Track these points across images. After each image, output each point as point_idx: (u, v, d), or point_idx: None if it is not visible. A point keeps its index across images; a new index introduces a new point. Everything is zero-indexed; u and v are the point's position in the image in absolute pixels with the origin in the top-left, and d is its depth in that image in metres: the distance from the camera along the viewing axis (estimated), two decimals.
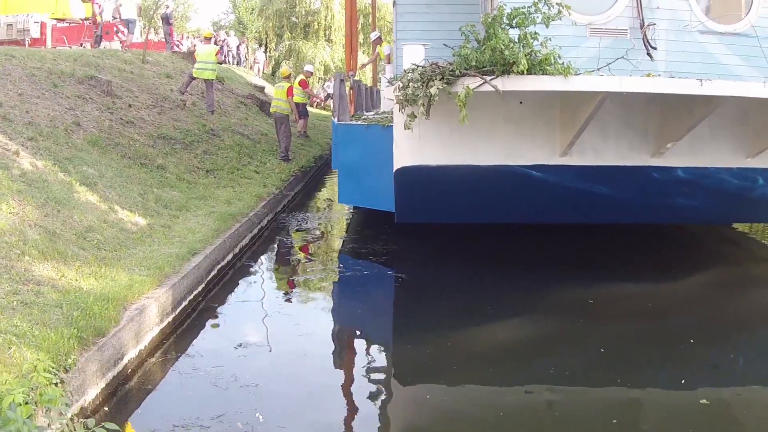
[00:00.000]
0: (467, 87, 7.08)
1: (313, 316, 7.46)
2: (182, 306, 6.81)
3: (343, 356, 6.50)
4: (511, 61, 6.96)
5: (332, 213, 12.84)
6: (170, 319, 6.50)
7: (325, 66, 33.77)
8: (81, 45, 24.77)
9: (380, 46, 15.86)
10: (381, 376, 5.99)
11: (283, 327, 6.98)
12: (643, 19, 8.77)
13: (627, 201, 8.92)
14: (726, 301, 7.86)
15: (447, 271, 8.75)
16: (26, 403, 3.16)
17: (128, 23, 21.56)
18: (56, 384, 3.94)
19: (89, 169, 8.93)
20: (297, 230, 10.94)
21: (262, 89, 25.31)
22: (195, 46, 30.97)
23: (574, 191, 8.73)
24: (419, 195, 8.74)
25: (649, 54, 8.66)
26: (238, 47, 30.79)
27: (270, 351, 6.28)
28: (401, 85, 7.70)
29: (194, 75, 15.16)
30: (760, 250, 10.96)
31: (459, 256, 9.46)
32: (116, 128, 11.29)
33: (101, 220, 7.72)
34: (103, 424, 3.47)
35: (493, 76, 7.10)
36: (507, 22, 7.52)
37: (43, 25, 23.83)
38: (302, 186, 14.11)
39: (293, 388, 5.50)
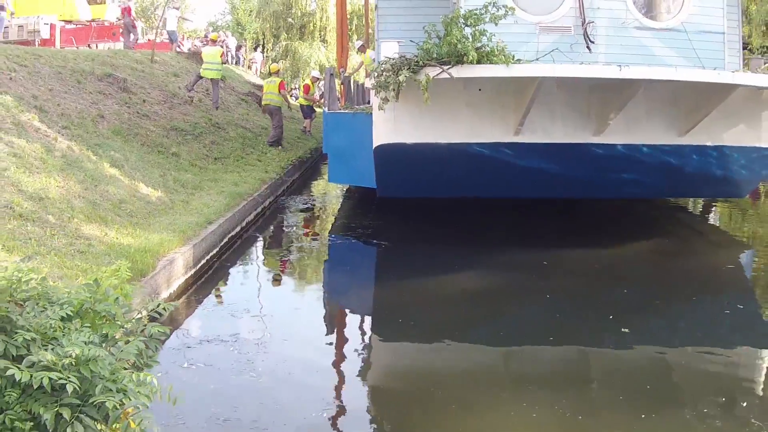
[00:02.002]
0: (428, 75, 8.57)
1: (310, 273, 8.93)
2: (201, 263, 8.25)
3: (334, 297, 8.00)
4: (463, 53, 8.45)
5: (326, 197, 14.34)
6: (192, 272, 7.94)
7: (320, 66, 35.16)
8: (88, 46, 26.12)
9: (364, 53, 17.51)
10: (365, 311, 7.48)
11: (284, 281, 8.46)
12: (584, 18, 10.22)
13: (574, 176, 10.34)
14: (659, 262, 9.30)
15: (424, 240, 10.24)
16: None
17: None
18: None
19: (116, 154, 10.35)
20: (295, 210, 12.41)
21: (260, 88, 26.74)
22: (195, 46, 32.38)
23: (527, 166, 10.14)
24: (396, 170, 10.17)
25: (588, 47, 10.09)
26: (237, 49, 32.17)
27: (274, 294, 7.77)
28: (376, 74, 9.21)
29: (201, 74, 16.56)
30: (694, 223, 12.49)
31: (434, 229, 10.94)
32: (134, 120, 12.71)
33: (131, 194, 9.15)
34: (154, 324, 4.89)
35: (449, 66, 8.59)
36: (463, 21, 9.01)
37: (52, 27, 25.10)
38: (299, 174, 15.57)
39: (293, 318, 7.00)
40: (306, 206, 12.90)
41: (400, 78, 8.77)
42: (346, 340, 6.72)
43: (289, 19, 37.39)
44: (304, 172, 16.26)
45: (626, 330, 6.59)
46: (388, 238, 10.30)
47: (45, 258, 6.27)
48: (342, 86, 16.28)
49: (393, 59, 9.07)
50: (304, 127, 20.03)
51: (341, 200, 13.64)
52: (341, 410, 5.17)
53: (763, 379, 5.80)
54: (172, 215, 8.96)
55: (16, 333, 3.55)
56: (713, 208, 14.05)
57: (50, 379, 3.33)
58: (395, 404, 5.25)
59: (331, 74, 13.03)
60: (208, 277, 8.19)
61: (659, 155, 10.29)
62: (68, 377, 3.36)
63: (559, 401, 5.08)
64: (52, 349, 3.50)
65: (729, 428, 4.75)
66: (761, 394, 5.43)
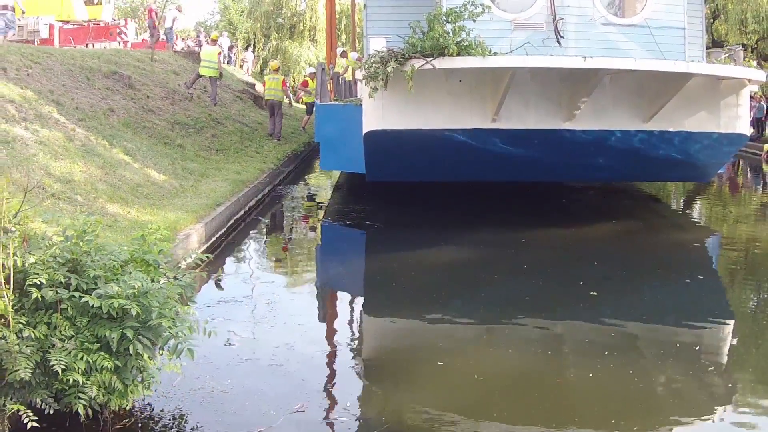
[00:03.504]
0: (413, 66, 9.54)
1: (309, 249, 9.87)
2: (212, 240, 9.15)
3: (332, 270, 8.94)
4: (444, 47, 9.41)
5: (320, 186, 15.28)
6: (205, 247, 8.82)
7: (309, 64, 36.02)
8: (86, 46, 26.86)
9: (346, 58, 18.80)
10: (357, 278, 8.43)
11: (286, 256, 9.38)
12: (555, 15, 11.19)
13: (547, 161, 11.30)
14: (627, 240, 10.28)
15: (412, 221, 11.20)
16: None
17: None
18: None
19: (128, 144, 11.22)
20: (292, 197, 13.35)
21: (252, 86, 27.59)
22: (188, 47, 33.16)
23: (504, 150, 11.10)
24: (384, 155, 11.09)
25: (558, 42, 11.07)
26: (229, 48, 32.99)
27: (279, 266, 8.71)
28: (366, 65, 10.14)
29: (200, 73, 17.41)
30: (671, 214, 13.49)
31: (421, 212, 11.93)
32: (141, 114, 13.57)
33: (145, 180, 10.04)
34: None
35: (432, 58, 9.54)
36: (444, 18, 9.96)
37: (51, 27, 25.81)
38: (294, 166, 16.48)
39: (296, 283, 7.96)
40: (302, 194, 13.84)
41: (388, 69, 9.73)
42: (342, 302, 7.67)
43: (279, 19, 38.23)
44: (298, 164, 17.16)
45: (594, 293, 7.52)
46: (379, 219, 11.22)
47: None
48: (331, 81, 17.24)
49: (381, 52, 10.03)
50: (303, 126, 21.03)
51: (332, 189, 14.58)
52: (340, 354, 6.12)
53: (717, 338, 6.70)
54: (184, 198, 9.84)
55: (86, 272, 4.45)
56: (685, 198, 15.09)
57: (119, 304, 4.23)
58: (382, 351, 6.19)
59: (323, 69, 13.95)
60: (218, 252, 9.09)
61: (625, 140, 11.26)
62: (131, 304, 4.26)
63: (532, 349, 5.99)
64: (118, 284, 4.39)
65: (678, 371, 5.60)
66: (711, 345, 6.36)
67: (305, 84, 20.73)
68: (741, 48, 12.03)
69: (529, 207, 12.38)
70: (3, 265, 4.22)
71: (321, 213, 12.26)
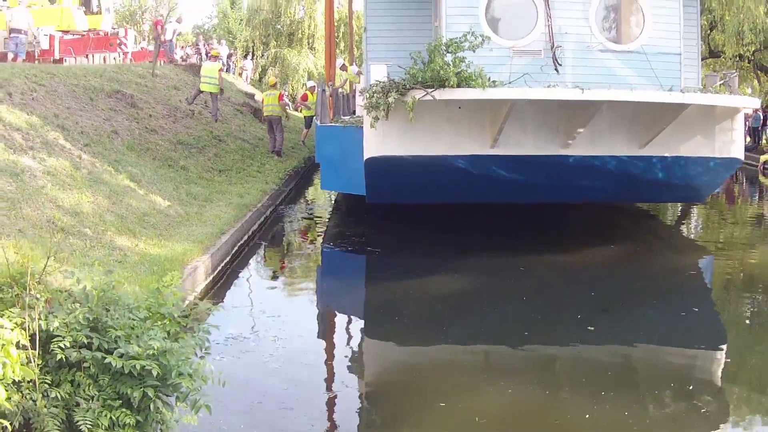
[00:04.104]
0: (414, 97, 9.77)
1: (310, 277, 10.07)
2: (218, 270, 9.33)
3: (334, 299, 9.16)
4: (445, 79, 9.61)
5: (319, 205, 15.46)
6: (211, 277, 9.00)
7: (308, 73, 36.25)
8: (86, 56, 26.97)
9: (346, 71, 18.97)
10: (361, 313, 8.61)
11: (287, 285, 9.59)
12: (553, 42, 11.40)
13: (545, 184, 11.52)
14: (624, 266, 10.43)
15: (412, 245, 11.41)
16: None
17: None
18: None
19: (133, 169, 11.39)
20: (293, 218, 13.54)
21: (252, 96, 27.76)
22: (187, 55, 33.27)
23: (503, 175, 11.31)
24: (384, 179, 11.29)
25: (556, 69, 11.28)
26: (228, 57, 33.15)
27: (280, 297, 8.91)
28: (368, 95, 10.34)
29: (201, 89, 17.58)
30: (667, 234, 13.71)
31: (421, 233, 12.11)
32: (144, 135, 13.74)
33: (151, 207, 10.20)
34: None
35: (432, 89, 9.75)
36: (444, 48, 10.15)
37: (51, 38, 25.92)
38: (295, 183, 16.66)
39: (299, 317, 8.14)
40: (302, 215, 14.03)
41: (389, 99, 9.96)
42: (345, 335, 7.86)
43: (278, 26, 38.37)
44: (299, 181, 17.34)
45: (591, 328, 7.71)
46: (378, 244, 11.41)
47: (92, 268, 7.29)
48: (330, 98, 17.43)
49: (383, 82, 10.22)
50: (301, 139, 21.23)
51: (331, 209, 14.74)
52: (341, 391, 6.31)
53: (712, 371, 6.91)
54: (189, 226, 10.01)
55: (107, 331, 4.63)
56: (681, 214, 15.31)
57: (140, 365, 4.41)
58: (384, 388, 6.37)
59: (323, 90, 14.13)
60: (223, 282, 9.26)
61: (621, 165, 11.49)
62: (152, 365, 4.44)
63: (531, 388, 6.19)
64: (138, 344, 4.57)
65: (679, 410, 5.80)
66: (711, 384, 6.51)
67: (305, 98, 20.95)
68: (736, 74, 12.24)
69: (527, 227, 12.60)
70: (29, 327, 4.40)
71: (321, 237, 12.43)
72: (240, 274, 9.76)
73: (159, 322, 5.15)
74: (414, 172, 11.23)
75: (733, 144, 11.65)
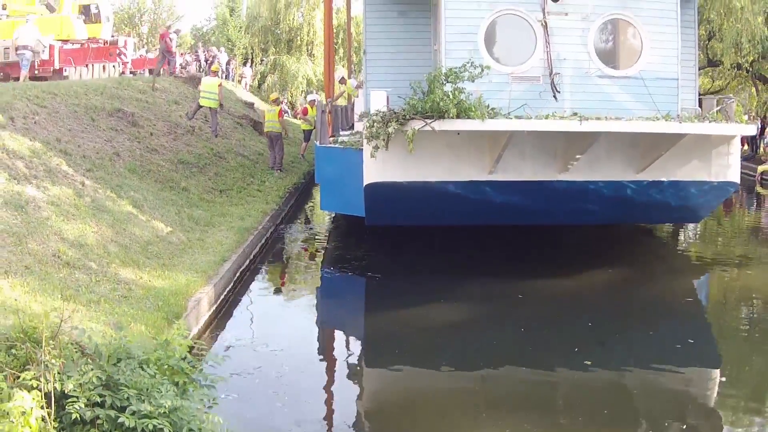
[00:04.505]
0: (413, 129, 9.89)
1: (309, 309, 10.15)
2: (220, 299, 9.44)
3: (333, 331, 9.29)
4: (444, 110, 9.73)
5: (319, 223, 15.55)
6: (214, 307, 9.11)
7: (307, 80, 36.34)
8: (86, 66, 27.02)
9: (345, 84, 19.09)
10: (361, 345, 8.73)
11: (286, 313, 9.71)
12: (551, 69, 11.52)
13: (542, 207, 11.64)
14: (622, 293, 10.53)
15: (411, 269, 11.51)
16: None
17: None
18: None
19: (135, 194, 11.48)
20: (292, 239, 13.65)
21: (251, 105, 27.86)
22: (185, 61, 33.30)
23: (501, 199, 11.43)
24: (383, 204, 11.41)
25: (554, 96, 11.41)
26: (227, 63, 33.26)
27: (281, 326, 9.07)
28: (368, 124, 10.45)
29: (200, 104, 17.67)
30: (665, 253, 13.83)
31: (419, 256, 12.22)
32: (145, 156, 13.83)
33: (154, 235, 10.31)
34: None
35: (431, 120, 9.89)
36: (444, 79, 10.27)
37: (51, 48, 25.97)
38: (294, 200, 16.77)
39: (300, 349, 8.26)
40: (302, 235, 14.14)
41: (389, 130, 10.09)
42: (346, 370, 7.98)
43: (277, 31, 38.39)
44: (298, 197, 17.44)
45: (588, 362, 7.83)
46: (378, 269, 11.51)
47: (99, 305, 7.42)
48: (329, 114, 17.50)
49: (382, 112, 10.33)
50: (300, 153, 21.38)
51: (331, 227, 14.82)
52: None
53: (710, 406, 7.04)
54: (192, 254, 10.11)
55: (119, 390, 4.75)
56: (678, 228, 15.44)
57: (152, 425, 4.53)
58: (384, 420, 6.50)
59: (323, 111, 14.21)
60: (225, 310, 9.37)
61: (618, 189, 11.61)
62: (164, 423, 4.56)
63: (530, 421, 6.34)
64: (149, 401, 4.69)
65: None
66: (710, 422, 6.64)
67: (305, 112, 21.07)
68: (733, 100, 12.35)
69: (525, 247, 12.72)
70: (44, 387, 4.51)
71: (321, 259, 12.53)
72: (242, 302, 9.87)
73: (168, 375, 5.28)
74: (413, 196, 11.36)
75: (729, 168, 11.78)
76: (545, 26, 11.43)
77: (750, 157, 28.11)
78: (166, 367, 5.30)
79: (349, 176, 11.87)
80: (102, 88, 16.63)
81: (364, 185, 11.19)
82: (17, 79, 25.36)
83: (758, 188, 24.40)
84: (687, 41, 13.60)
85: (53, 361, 4.53)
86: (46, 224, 8.89)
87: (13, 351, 5.04)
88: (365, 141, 10.58)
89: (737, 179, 12.02)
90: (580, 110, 11.33)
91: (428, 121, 9.85)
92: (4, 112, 11.61)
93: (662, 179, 11.57)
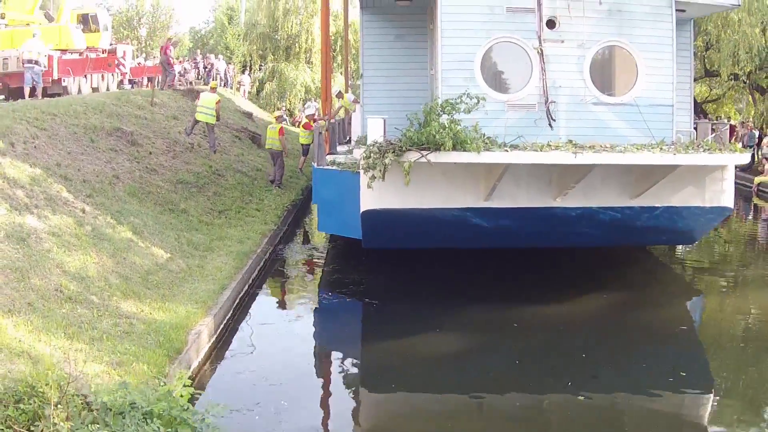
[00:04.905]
0: (410, 161, 10.01)
1: (306, 338, 10.21)
2: (220, 328, 9.55)
3: (331, 362, 9.40)
4: (440, 143, 9.86)
5: (316, 243, 15.61)
6: (214, 338, 9.22)
7: (305, 87, 36.43)
8: (84, 77, 27.07)
9: (342, 99, 19.22)
10: (358, 378, 8.84)
11: (284, 342, 9.80)
12: (547, 97, 11.64)
13: (538, 231, 11.78)
14: (617, 321, 10.60)
15: (408, 294, 11.64)
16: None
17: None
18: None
19: (135, 220, 11.59)
20: (290, 261, 13.75)
21: (250, 115, 27.95)
22: (184, 69, 33.35)
23: (497, 225, 11.56)
24: (380, 229, 11.56)
25: (550, 124, 11.53)
26: (226, 70, 33.35)
27: (278, 356, 9.15)
28: (365, 155, 10.57)
29: (197, 119, 17.75)
30: (661, 274, 13.92)
31: (417, 280, 12.33)
32: (144, 177, 13.93)
33: (154, 263, 10.42)
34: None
35: (428, 152, 10.02)
36: (440, 110, 10.40)
37: (50, 59, 26.02)
38: (293, 217, 16.87)
39: (298, 384, 8.35)
40: (300, 256, 14.24)
41: (386, 161, 10.23)
42: (343, 403, 8.10)
43: (275, 36, 38.47)
44: (296, 214, 17.53)
45: (581, 398, 7.92)
46: (375, 294, 11.61)
47: (101, 343, 7.53)
48: (327, 132, 17.60)
49: (379, 143, 10.46)
50: (299, 168, 21.47)
51: (329, 246, 14.87)
52: None
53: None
54: (192, 282, 10.23)
55: None
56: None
57: None
58: None
59: (320, 132, 14.31)
60: (225, 339, 9.48)
61: (613, 214, 11.76)
62: None
63: None
64: None
65: None
66: None
67: (308, 127, 21.12)
68: (727, 126, 12.49)
69: (521, 270, 12.83)
70: None
71: (318, 282, 12.64)
72: (240, 330, 9.98)
73: (173, 428, 5.40)
74: (409, 222, 11.49)
75: (723, 194, 11.93)
76: (541, 54, 11.53)
77: (747, 168, 28.21)
78: (169, 417, 5.42)
79: (347, 199, 11.99)
80: (101, 106, 16.72)
81: (361, 212, 11.31)
82: (17, 89, 25.52)
83: (755, 199, 24.51)
84: (682, 63, 13.75)
85: (61, 423, 4.64)
86: (47, 257, 9.00)
87: (21, 406, 5.17)
88: (362, 171, 10.70)
89: (731, 204, 12.16)
90: (575, 137, 11.51)
91: (424, 152, 9.98)
92: (4, 138, 11.70)
93: (657, 205, 11.71)
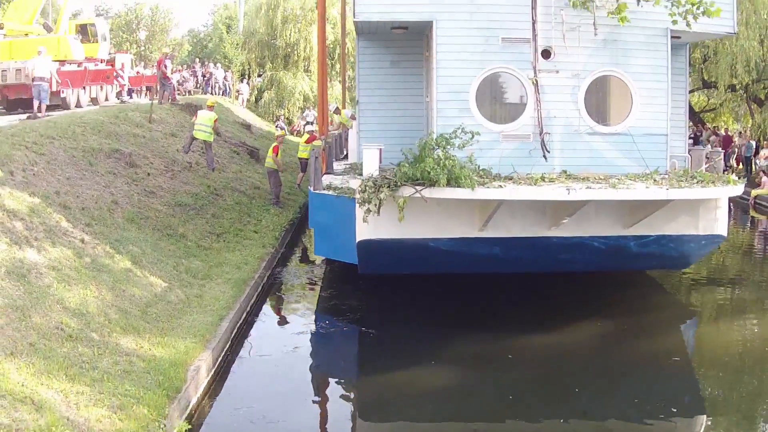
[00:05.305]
0: (404, 197, 10.17)
1: (302, 371, 10.26)
2: (218, 362, 9.67)
3: (324, 385, 9.54)
4: (434, 180, 10.00)
5: (312, 265, 15.56)
6: (212, 372, 9.34)
7: (304, 96, 36.53)
8: (83, 89, 27.13)
9: (339, 114, 19.35)
10: (354, 414, 8.97)
11: (280, 375, 9.89)
12: (542, 128, 11.76)
13: (532, 258, 11.92)
14: (612, 353, 10.67)
15: (405, 323, 11.76)
16: None
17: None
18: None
19: (134, 248, 11.69)
20: (288, 286, 13.86)
21: (248, 126, 28.06)
22: (183, 78, 33.44)
23: (489, 252, 11.68)
24: (376, 257, 11.69)
25: (544, 156, 11.66)
26: (224, 78, 33.46)
27: (274, 390, 9.25)
28: (360, 189, 10.70)
29: (194, 136, 17.81)
30: (656, 297, 13.98)
31: (413, 308, 12.43)
32: (143, 201, 14.04)
33: (153, 294, 10.53)
34: None
35: (422, 188, 10.16)
36: (434, 145, 10.53)
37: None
38: (290, 236, 16.97)
39: (295, 419, 8.46)
40: (295, 281, 14.31)
41: (381, 196, 10.38)
42: None
43: (274, 41, 38.49)
44: (294, 234, 17.59)
45: None
46: (372, 323, 11.71)
47: (102, 384, 7.64)
48: (323, 152, 17.67)
49: (374, 178, 10.59)
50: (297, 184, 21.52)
51: (326, 270, 14.89)
52: None
53: None
54: (191, 314, 10.33)
55: None
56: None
57: None
58: None
59: (316, 156, 14.40)
60: (222, 371, 9.58)
61: (607, 242, 11.88)
62: None
63: None
64: None
65: None
66: None
67: (310, 140, 21.17)
68: (721, 156, 12.63)
69: (516, 297, 12.92)
70: None
71: (315, 308, 12.74)
72: (238, 360, 10.09)
73: None
74: (404, 251, 11.62)
75: (717, 222, 12.05)
76: (536, 84, 11.67)
77: (744, 178, 28.34)
78: None
79: (343, 224, 12.11)
80: (99, 125, 16.82)
81: (356, 241, 11.43)
82: (16, 101, 25.59)
83: (752, 212, 24.63)
84: (677, 88, 13.90)
85: None
86: (48, 292, 9.10)
87: None
88: (357, 205, 10.82)
89: (725, 232, 12.30)
90: (569, 167, 11.68)
91: (419, 188, 10.12)
92: (3, 166, 11.80)
93: (651, 234, 11.83)
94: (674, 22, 11.67)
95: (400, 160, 10.68)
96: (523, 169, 11.36)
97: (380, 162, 11.44)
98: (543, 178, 10.89)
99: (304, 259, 16.55)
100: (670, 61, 12.53)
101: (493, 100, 12.20)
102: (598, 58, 12.07)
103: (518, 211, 11.31)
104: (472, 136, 10.54)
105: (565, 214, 10.96)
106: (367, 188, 10.41)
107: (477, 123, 11.57)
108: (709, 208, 11.92)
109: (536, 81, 11.68)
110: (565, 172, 11.58)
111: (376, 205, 10.30)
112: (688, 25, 11.31)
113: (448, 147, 10.35)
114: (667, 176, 11.62)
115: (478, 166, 10.79)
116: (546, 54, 11.95)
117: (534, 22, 11.57)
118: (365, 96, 14.06)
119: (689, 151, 13.62)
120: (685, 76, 14.57)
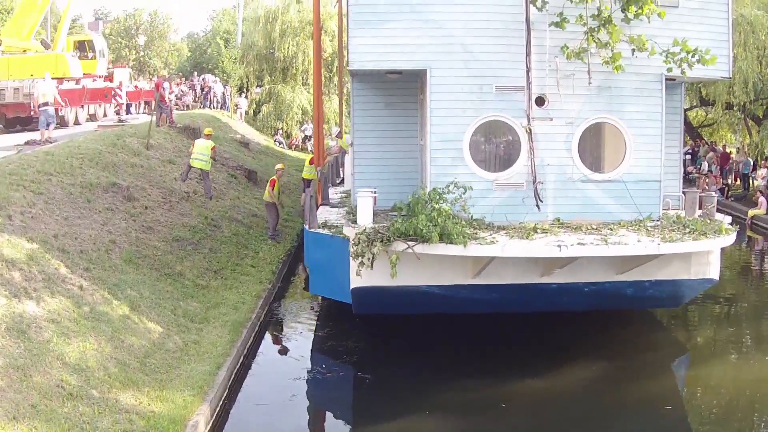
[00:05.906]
0: (397, 252, 10.28)
1: (298, 411, 10.48)
2: (216, 412, 9.81)
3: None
4: (427, 238, 10.15)
5: (309, 301, 15.50)
6: (210, 425, 9.48)
7: (302, 109, 36.63)
8: (81, 107, 27.25)
9: (341, 138, 19.44)
10: None
11: (277, 421, 10.05)
12: (535, 176, 11.87)
13: (524, 301, 12.08)
14: (606, 398, 10.78)
15: (401, 367, 11.87)
16: None
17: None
18: None
19: (132, 292, 11.83)
20: (285, 324, 13.98)
21: (246, 144, 28.14)
22: (181, 91, 33.50)
23: (482, 297, 11.84)
24: (370, 301, 11.85)
25: (537, 205, 11.78)
26: (223, 93, 33.57)
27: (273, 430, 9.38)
28: (354, 242, 10.83)
29: (191, 165, 17.91)
30: (651, 334, 14.05)
31: (411, 353, 12.52)
32: (141, 238, 14.16)
33: (151, 343, 10.67)
34: None
35: (414, 244, 10.30)
36: (427, 199, 10.68)
37: None
38: (287, 267, 17.07)
39: None
40: (293, 317, 14.40)
41: (374, 251, 10.54)
42: None
43: (272, 51, 38.54)
44: (290, 264, 17.60)
45: None
46: (368, 369, 11.81)
47: None
48: (319, 182, 17.74)
49: (368, 231, 10.76)
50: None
51: (322, 306, 14.98)
52: None
53: None
54: (188, 363, 10.48)
55: None
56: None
57: None
58: None
59: (311, 196, 14.48)
60: (221, 421, 9.73)
61: (599, 287, 12.01)
62: None
63: None
64: None
65: None
66: None
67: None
68: (715, 197, 12.77)
69: (508, 336, 13.01)
70: None
71: (311, 348, 12.86)
72: (235, 408, 10.25)
73: None
74: (398, 296, 11.76)
75: (709, 266, 12.20)
76: (530, 133, 11.79)
77: (742, 197, 28.51)
78: None
79: (337, 264, 12.21)
80: (97, 156, 16.89)
81: (351, 288, 11.56)
82: (14, 119, 25.68)
83: (749, 232, 24.75)
84: (671, 128, 14.01)
85: None
86: (47, 348, 9.24)
87: None
88: (351, 258, 10.96)
89: (717, 276, 12.45)
90: (562, 215, 11.83)
91: (411, 244, 10.28)
92: (2, 210, 11.92)
93: (642, 279, 11.97)
94: (669, 70, 11.79)
95: (395, 201, 10.82)
96: (517, 216, 11.51)
97: (374, 206, 11.59)
98: (536, 229, 11.03)
99: (301, 292, 16.60)
100: (665, 104, 12.62)
101: (487, 148, 12.34)
102: (593, 105, 12.17)
103: (510, 260, 11.45)
104: (465, 191, 10.69)
105: (557, 266, 11.11)
106: (360, 242, 10.56)
107: (470, 171, 11.71)
108: (701, 254, 12.04)
109: (530, 129, 11.79)
110: (558, 219, 11.73)
111: (369, 259, 10.46)
112: (683, 72, 11.41)
113: (441, 202, 10.49)
114: (659, 223, 11.77)
115: (471, 216, 10.94)
116: (540, 101, 12.08)
117: (528, 70, 11.67)
118: (360, 137, 14.09)
119: (683, 192, 13.75)
120: (679, 116, 14.68)
